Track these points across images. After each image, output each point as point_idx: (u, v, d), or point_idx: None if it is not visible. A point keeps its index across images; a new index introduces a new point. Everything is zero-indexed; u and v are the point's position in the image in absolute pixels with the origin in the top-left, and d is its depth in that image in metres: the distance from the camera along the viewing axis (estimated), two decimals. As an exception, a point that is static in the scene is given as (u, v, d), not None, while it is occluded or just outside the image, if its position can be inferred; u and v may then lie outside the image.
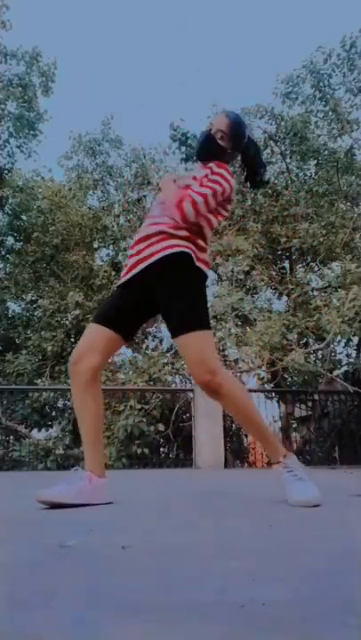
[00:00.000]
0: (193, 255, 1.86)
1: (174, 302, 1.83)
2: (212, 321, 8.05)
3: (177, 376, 9.16)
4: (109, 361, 9.37)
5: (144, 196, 10.56)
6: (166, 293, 1.84)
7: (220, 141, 2.01)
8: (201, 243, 1.92)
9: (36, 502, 1.69)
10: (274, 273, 9.55)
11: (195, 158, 2.11)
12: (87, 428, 1.87)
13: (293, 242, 8.59)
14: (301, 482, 1.75)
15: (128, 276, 1.89)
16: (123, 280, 1.91)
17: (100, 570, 0.88)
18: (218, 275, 9.31)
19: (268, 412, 7.81)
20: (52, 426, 8.76)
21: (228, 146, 2.02)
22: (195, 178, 1.98)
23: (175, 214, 1.85)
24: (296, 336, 7.52)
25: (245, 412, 1.89)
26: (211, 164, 1.97)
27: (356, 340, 8.97)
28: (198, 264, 1.88)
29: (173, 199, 1.87)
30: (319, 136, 10.17)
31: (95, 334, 1.88)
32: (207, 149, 2.04)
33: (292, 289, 8.62)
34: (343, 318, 6.55)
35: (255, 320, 7.58)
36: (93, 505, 1.75)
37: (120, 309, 1.90)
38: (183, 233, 1.88)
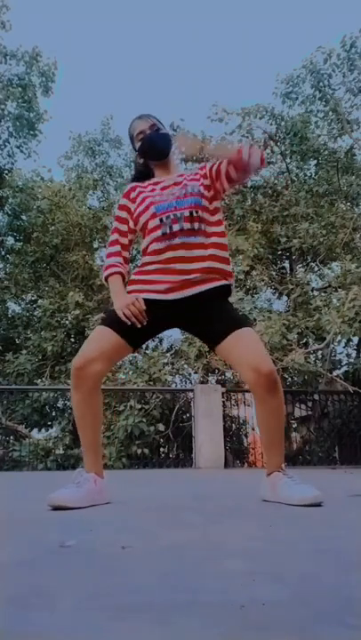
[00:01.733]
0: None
1: (227, 312, 1.88)
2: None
3: (177, 376, 9.17)
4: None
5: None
6: (216, 314, 1.86)
7: (162, 131, 2.07)
8: None
9: (36, 502, 1.69)
10: (274, 273, 9.55)
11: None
12: (88, 431, 1.86)
13: (293, 242, 8.59)
14: (299, 484, 1.76)
15: (171, 297, 1.82)
16: (161, 298, 1.82)
17: (100, 570, 0.88)
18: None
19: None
20: (52, 426, 8.76)
21: (168, 131, 2.12)
22: (189, 177, 2.02)
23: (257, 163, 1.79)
24: (296, 336, 7.52)
25: (282, 414, 1.86)
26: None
27: (356, 339, 8.97)
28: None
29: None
30: (319, 136, 10.17)
31: (107, 341, 1.81)
32: (166, 144, 2.06)
33: (292, 289, 8.62)
34: (343, 318, 6.55)
35: (255, 320, 7.58)
36: (96, 505, 1.75)
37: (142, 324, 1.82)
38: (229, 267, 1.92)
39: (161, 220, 1.86)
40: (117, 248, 1.97)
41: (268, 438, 1.89)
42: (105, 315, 1.91)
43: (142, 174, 2.09)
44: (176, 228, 1.84)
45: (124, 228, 1.99)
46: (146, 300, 1.81)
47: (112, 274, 1.92)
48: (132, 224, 1.98)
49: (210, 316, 1.84)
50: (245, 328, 1.82)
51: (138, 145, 2.03)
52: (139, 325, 1.79)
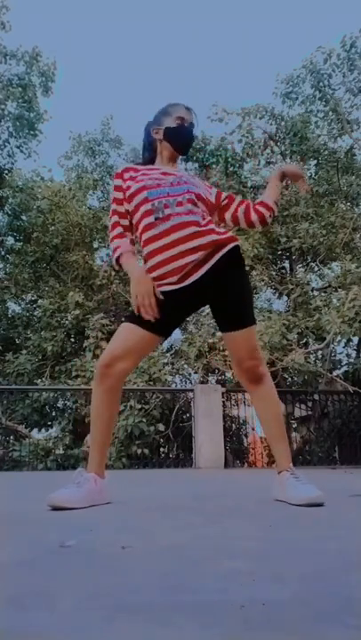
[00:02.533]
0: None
1: (240, 296, 1.89)
2: (212, 321, 8.05)
3: (177, 376, 9.17)
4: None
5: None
6: (233, 288, 1.86)
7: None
8: None
9: (36, 502, 1.69)
10: (274, 273, 9.55)
11: (182, 156, 2.10)
12: (101, 430, 1.85)
13: (293, 242, 8.59)
14: (305, 484, 1.76)
15: (185, 284, 1.78)
16: (176, 288, 1.79)
17: (100, 570, 0.88)
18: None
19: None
20: (52, 426, 8.76)
21: None
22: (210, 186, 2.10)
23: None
24: (296, 336, 7.52)
25: (277, 411, 1.96)
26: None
27: (356, 339, 8.97)
28: None
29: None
30: (319, 136, 10.17)
31: (132, 338, 1.81)
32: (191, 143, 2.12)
33: (292, 289, 8.62)
34: (343, 318, 6.55)
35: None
36: (96, 505, 1.75)
37: (165, 314, 1.81)
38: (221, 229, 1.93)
39: (153, 204, 1.83)
40: (120, 230, 1.94)
41: (267, 433, 1.96)
42: (130, 309, 1.89)
43: (150, 158, 2.08)
44: (168, 211, 1.81)
45: (121, 209, 1.95)
46: (164, 292, 1.81)
47: (121, 255, 1.89)
48: (127, 205, 1.94)
49: (224, 292, 1.85)
50: (245, 329, 1.86)
51: (173, 127, 1.99)
52: (152, 320, 1.78)
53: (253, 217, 2.07)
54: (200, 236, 1.79)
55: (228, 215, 2.09)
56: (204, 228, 1.82)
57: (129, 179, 1.93)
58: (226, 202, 2.09)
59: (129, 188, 1.91)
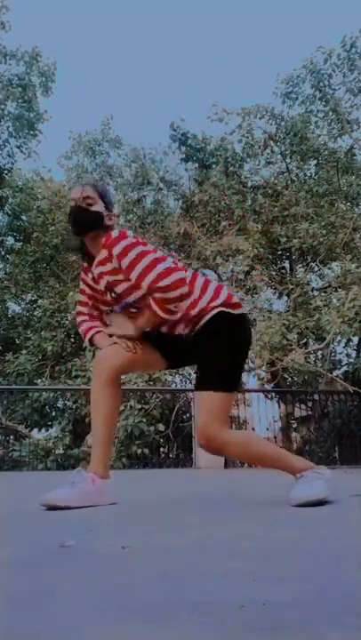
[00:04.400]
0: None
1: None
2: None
3: (177, 376, 9.16)
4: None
5: (144, 196, 10.56)
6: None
7: (92, 208, 1.88)
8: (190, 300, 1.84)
9: (36, 503, 1.69)
10: (274, 273, 9.55)
11: (78, 236, 1.93)
12: (100, 427, 1.86)
13: (293, 242, 8.59)
14: (305, 484, 1.73)
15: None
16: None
17: (100, 570, 0.88)
18: (218, 275, 9.31)
19: (269, 412, 7.81)
20: (52, 426, 8.76)
21: (101, 209, 1.90)
22: (102, 275, 1.87)
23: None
24: (296, 336, 7.52)
25: (248, 454, 1.90)
26: (107, 249, 1.82)
27: (356, 339, 8.97)
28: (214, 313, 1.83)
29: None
30: (319, 136, 10.18)
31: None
32: (85, 222, 1.88)
33: (292, 289, 8.61)
34: (343, 318, 6.55)
35: (255, 320, 7.58)
36: (97, 506, 1.75)
37: (173, 346, 1.92)
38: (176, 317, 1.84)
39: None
40: (82, 317, 2.07)
41: (267, 467, 1.90)
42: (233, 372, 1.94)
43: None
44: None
45: (83, 298, 2.07)
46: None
47: (93, 335, 1.99)
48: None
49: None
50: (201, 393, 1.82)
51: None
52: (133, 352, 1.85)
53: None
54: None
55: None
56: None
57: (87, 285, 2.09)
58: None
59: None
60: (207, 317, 1.82)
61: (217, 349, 1.81)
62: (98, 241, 1.89)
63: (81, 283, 2.06)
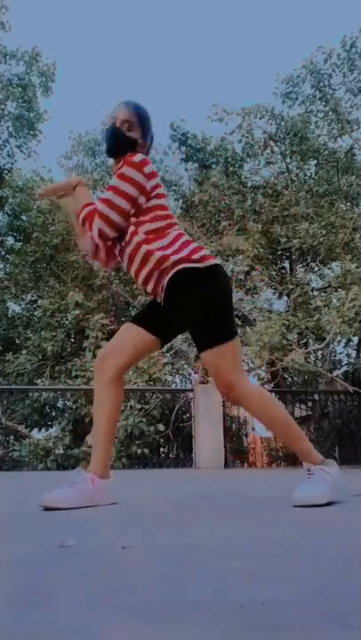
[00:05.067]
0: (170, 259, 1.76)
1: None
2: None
3: (177, 376, 9.17)
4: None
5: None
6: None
7: (128, 133, 1.90)
8: (168, 239, 1.80)
9: (36, 503, 1.69)
10: (274, 273, 9.55)
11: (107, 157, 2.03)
12: (102, 427, 1.86)
13: (293, 242, 8.59)
14: (308, 483, 1.73)
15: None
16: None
17: (100, 570, 0.88)
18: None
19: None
20: (52, 426, 8.76)
21: (137, 136, 1.91)
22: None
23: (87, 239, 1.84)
24: (296, 336, 7.52)
25: (265, 411, 1.83)
26: (120, 164, 1.85)
27: (356, 339, 8.97)
28: (184, 265, 1.75)
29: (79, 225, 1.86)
30: (319, 136, 10.18)
31: (126, 334, 1.87)
32: (117, 144, 1.91)
33: (292, 289, 8.62)
34: (343, 318, 6.55)
35: (255, 320, 7.58)
36: (97, 506, 1.74)
37: (157, 312, 1.88)
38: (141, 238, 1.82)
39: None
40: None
41: (278, 437, 1.88)
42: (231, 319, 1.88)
43: None
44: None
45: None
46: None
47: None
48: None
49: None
50: (206, 352, 1.77)
51: None
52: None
53: None
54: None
55: None
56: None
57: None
58: None
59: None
60: (170, 274, 1.76)
61: (189, 307, 1.76)
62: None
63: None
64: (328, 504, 1.68)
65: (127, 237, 1.82)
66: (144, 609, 0.65)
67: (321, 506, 1.65)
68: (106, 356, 1.85)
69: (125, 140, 1.89)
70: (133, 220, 1.82)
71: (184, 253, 1.76)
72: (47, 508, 1.65)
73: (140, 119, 1.93)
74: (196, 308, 1.75)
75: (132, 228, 1.81)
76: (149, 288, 1.83)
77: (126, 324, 1.92)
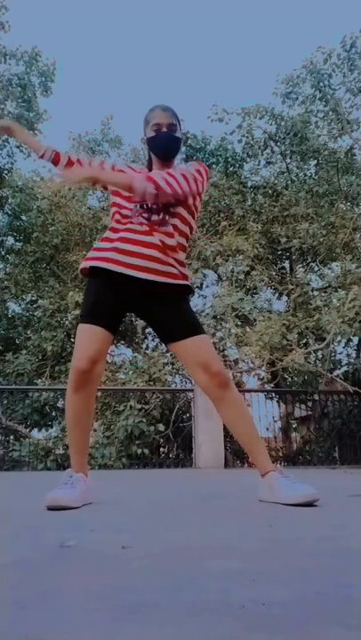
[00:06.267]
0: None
1: (181, 314, 1.92)
2: (212, 321, 8.04)
3: (177, 376, 9.17)
4: (109, 361, 9.37)
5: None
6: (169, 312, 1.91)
7: (176, 134, 1.97)
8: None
9: (36, 502, 1.69)
10: (274, 273, 9.55)
11: (163, 162, 2.00)
12: (82, 433, 1.87)
13: (293, 242, 8.59)
14: (297, 483, 1.76)
15: (132, 274, 1.80)
16: (124, 272, 1.81)
17: (100, 570, 0.88)
18: (218, 275, 9.32)
19: (269, 412, 7.82)
20: (52, 426, 8.76)
21: (180, 135, 2.00)
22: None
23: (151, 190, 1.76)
24: (296, 336, 7.52)
25: (245, 408, 1.93)
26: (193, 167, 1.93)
27: (356, 339, 8.97)
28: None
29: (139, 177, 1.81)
30: (319, 136, 10.17)
31: (100, 339, 1.82)
32: (176, 149, 2.00)
33: (292, 289, 8.62)
34: (343, 318, 6.55)
35: (255, 320, 7.58)
36: (91, 505, 1.76)
37: (108, 306, 1.88)
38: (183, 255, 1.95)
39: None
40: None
41: (243, 438, 1.90)
42: (83, 311, 1.89)
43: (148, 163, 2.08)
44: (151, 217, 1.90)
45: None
46: (105, 271, 1.83)
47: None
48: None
49: (165, 314, 1.90)
50: (201, 335, 1.86)
51: (151, 136, 1.98)
52: None
53: None
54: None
55: None
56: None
57: None
58: None
59: None
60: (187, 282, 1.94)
61: (182, 313, 1.92)
62: (172, 164, 2.01)
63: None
64: (328, 504, 1.68)
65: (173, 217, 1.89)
66: (144, 609, 0.65)
67: (316, 501, 1.65)
68: (91, 366, 1.79)
69: (179, 141, 1.99)
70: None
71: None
72: (52, 508, 1.65)
73: (178, 120, 2.01)
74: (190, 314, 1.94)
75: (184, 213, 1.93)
76: (155, 266, 1.82)
77: (87, 327, 1.84)
